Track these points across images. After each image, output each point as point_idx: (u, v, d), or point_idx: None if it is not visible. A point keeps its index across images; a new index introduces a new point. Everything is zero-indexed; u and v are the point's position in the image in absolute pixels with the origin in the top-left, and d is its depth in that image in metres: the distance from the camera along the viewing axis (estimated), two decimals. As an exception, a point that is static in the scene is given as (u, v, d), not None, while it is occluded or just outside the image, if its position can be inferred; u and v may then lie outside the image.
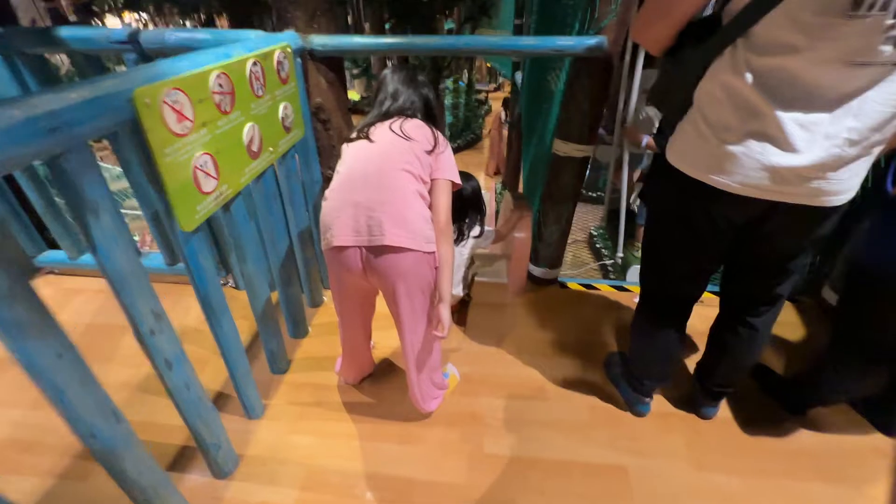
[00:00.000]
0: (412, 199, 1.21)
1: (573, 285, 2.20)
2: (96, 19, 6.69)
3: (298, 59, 1.58)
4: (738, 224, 1.11)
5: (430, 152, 1.28)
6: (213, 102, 1.07)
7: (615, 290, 2.18)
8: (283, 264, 1.63)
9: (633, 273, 2.41)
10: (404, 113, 1.37)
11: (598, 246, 3.09)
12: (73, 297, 2.11)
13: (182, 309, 1.99)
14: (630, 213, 2.62)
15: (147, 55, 1.54)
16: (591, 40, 1.51)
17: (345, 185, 1.23)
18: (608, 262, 2.77)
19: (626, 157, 2.36)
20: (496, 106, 11.58)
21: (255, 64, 1.24)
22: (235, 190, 1.22)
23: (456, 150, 9.37)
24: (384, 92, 1.42)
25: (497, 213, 7.07)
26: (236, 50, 1.18)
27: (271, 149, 1.40)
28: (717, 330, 1.40)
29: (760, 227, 1.10)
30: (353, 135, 1.34)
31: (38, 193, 1.94)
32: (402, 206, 1.19)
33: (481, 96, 10.61)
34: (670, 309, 1.33)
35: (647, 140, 2.21)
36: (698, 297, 1.32)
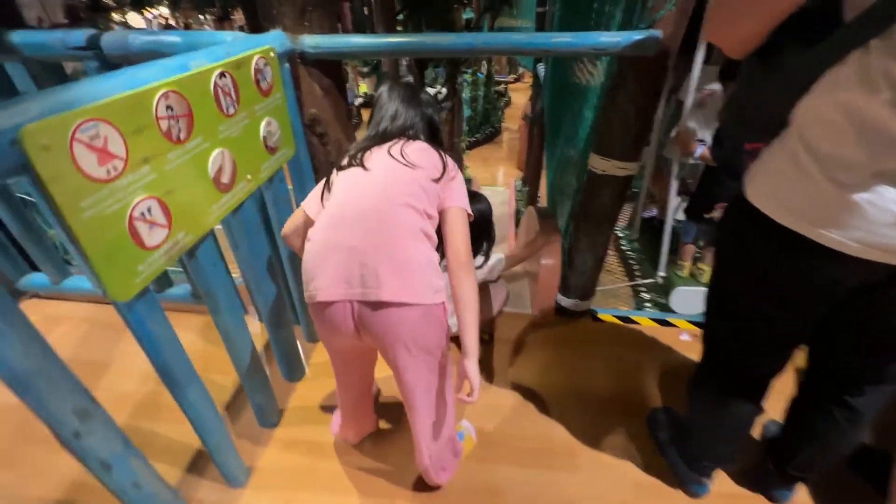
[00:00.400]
0: (415, 242, 0.98)
1: (607, 317, 1.92)
2: (114, 14, 6.57)
3: (286, 65, 1.34)
4: (849, 289, 0.82)
5: (437, 180, 1.05)
6: (160, 131, 0.83)
7: (658, 325, 1.89)
8: (272, 304, 1.40)
9: (680, 299, 2.11)
10: (405, 134, 1.14)
11: (630, 260, 2.77)
12: (56, 327, 1.94)
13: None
14: (674, 228, 2.31)
15: (111, 62, 1.32)
16: (641, 35, 1.22)
17: (335, 224, 1.00)
18: (643, 280, 2.46)
19: (674, 166, 2.04)
20: (516, 98, 11.17)
21: (222, 76, 1.00)
22: (199, 234, 0.99)
23: (475, 145, 9.03)
24: (381, 112, 1.19)
25: (517, 214, 6.76)
26: (197, 60, 0.94)
27: (249, 176, 1.16)
28: (802, 408, 1.11)
29: (882, 295, 0.81)
30: (345, 161, 1.10)
31: (12, 215, 1.76)
32: (403, 250, 0.96)
33: (500, 88, 10.23)
34: (745, 383, 1.05)
35: (701, 150, 1.89)
36: (781, 369, 1.03)
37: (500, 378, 1.66)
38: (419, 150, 1.08)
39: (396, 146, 1.08)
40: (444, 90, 4.65)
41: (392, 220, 0.97)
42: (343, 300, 0.95)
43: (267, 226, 1.41)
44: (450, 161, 1.12)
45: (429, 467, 1.21)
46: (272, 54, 1.21)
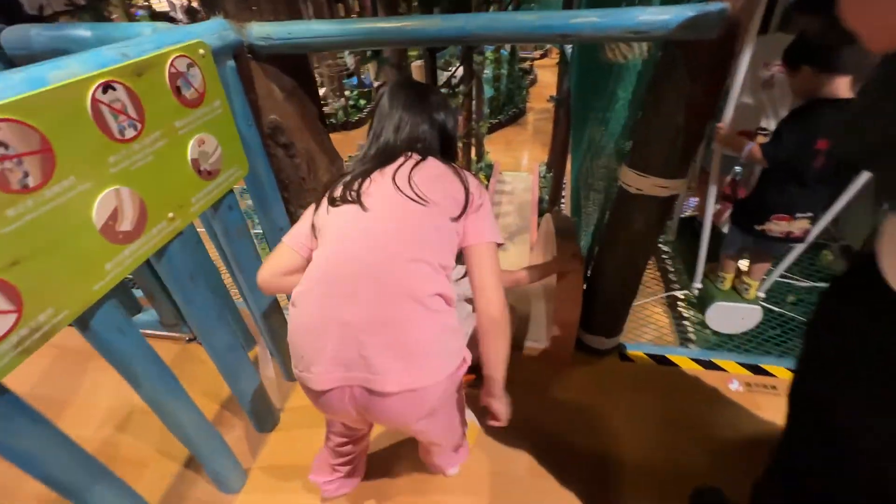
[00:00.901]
0: (428, 312, 0.79)
1: (639, 355, 1.60)
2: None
3: (229, 62, 1.05)
4: None
5: (459, 217, 0.87)
6: (-17, 181, 0.57)
7: (701, 368, 1.56)
8: (227, 355, 1.17)
9: (718, 316, 1.76)
10: (413, 149, 0.94)
11: (665, 263, 2.40)
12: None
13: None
14: (714, 233, 1.95)
15: (13, 62, 1.07)
16: (698, 10, 0.87)
17: (325, 291, 0.80)
18: (679, 292, 2.11)
19: (714, 162, 1.65)
20: (543, 76, 10.54)
21: (106, 89, 0.72)
22: (82, 306, 0.74)
23: (497, 127, 8.60)
24: (381, 122, 0.97)
25: (541, 203, 6.35)
26: (64, 69, 0.67)
27: (172, 214, 0.90)
28: None
29: None
30: (338, 191, 0.87)
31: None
32: (414, 325, 0.78)
33: (525, 65, 9.65)
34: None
35: (750, 147, 1.51)
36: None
37: (501, 433, 1.38)
38: (433, 178, 0.88)
39: (403, 171, 0.87)
40: (459, 72, 4.27)
41: (398, 287, 0.78)
42: (341, 386, 0.77)
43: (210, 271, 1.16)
44: (473, 183, 0.91)
45: (440, 465, 1.21)
46: (201, 52, 0.93)
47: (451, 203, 0.86)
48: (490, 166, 7.32)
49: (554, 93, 6.43)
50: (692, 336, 1.80)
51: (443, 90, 4.21)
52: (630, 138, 1.49)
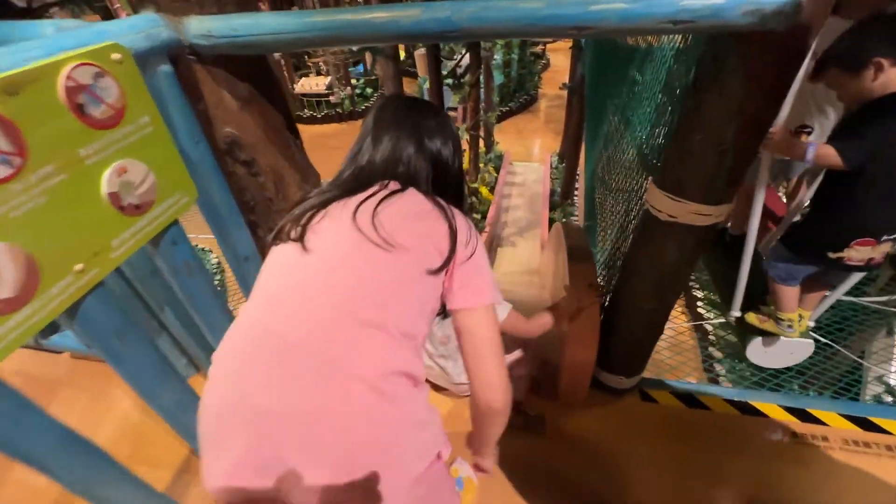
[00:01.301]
0: (381, 402, 0.57)
1: (663, 396, 1.40)
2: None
3: (166, 67, 0.85)
4: None
5: (439, 270, 0.66)
6: None
7: (737, 412, 1.35)
8: (179, 416, 1.00)
9: (759, 349, 1.51)
10: (394, 176, 0.74)
11: (693, 290, 2.13)
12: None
13: (102, 406, 1.47)
14: (758, 257, 1.68)
15: None
16: (763, -9, 0.64)
17: (241, 362, 0.59)
18: (713, 320, 1.86)
19: (761, 171, 1.36)
20: (556, 60, 10.12)
21: (-47, 118, 0.53)
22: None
23: (508, 115, 8.35)
24: (361, 140, 0.80)
25: (552, 196, 6.08)
26: None
27: (80, 266, 0.71)
28: None
29: None
30: (286, 225, 0.68)
31: None
32: (360, 420, 0.56)
33: (538, 49, 9.26)
34: None
35: (814, 149, 1.23)
36: None
37: (500, 490, 1.20)
38: (409, 216, 0.67)
39: (369, 203, 0.66)
40: (465, 60, 4.00)
41: (340, 364, 0.57)
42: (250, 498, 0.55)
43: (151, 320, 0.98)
44: (462, 225, 0.70)
45: None
46: (115, 57, 0.73)
47: (428, 250, 0.65)
48: (500, 157, 7.04)
49: (567, 79, 6.11)
50: (723, 371, 1.58)
51: (448, 81, 3.96)
52: (655, 147, 1.26)
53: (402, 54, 9.31)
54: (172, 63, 0.88)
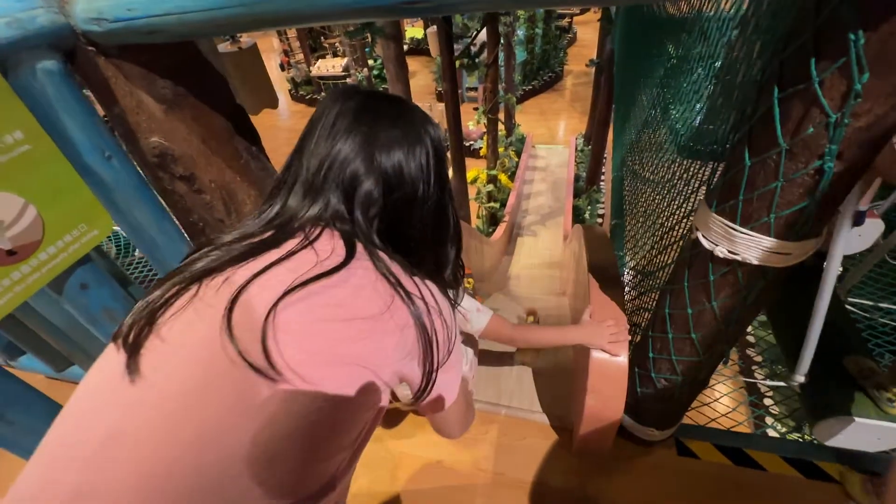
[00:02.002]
0: None
1: (705, 450, 1.15)
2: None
3: (52, 62, 0.65)
4: None
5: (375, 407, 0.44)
6: None
7: (799, 475, 1.09)
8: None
9: (834, 430, 1.17)
10: (324, 225, 0.48)
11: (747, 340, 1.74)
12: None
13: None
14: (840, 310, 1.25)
15: None
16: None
17: None
18: (769, 382, 1.50)
19: (867, 195, 0.94)
20: (583, 33, 9.52)
21: None
22: None
23: (531, 94, 7.93)
24: (294, 155, 0.52)
25: (577, 182, 5.70)
26: None
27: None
28: None
29: None
30: (136, 313, 0.41)
31: None
32: None
33: (563, 23, 8.71)
34: None
35: None
36: None
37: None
38: (334, 318, 0.40)
39: (275, 274, 0.41)
40: (481, 37, 3.66)
41: None
42: None
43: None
44: (441, 323, 0.46)
45: None
46: (-50, 53, 0.53)
47: (360, 382, 0.40)
48: (522, 140, 6.69)
49: (594, 55, 5.65)
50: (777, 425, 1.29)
51: (463, 60, 3.64)
52: (705, 148, 0.99)
53: (421, 32, 8.90)
54: (67, 57, 0.68)
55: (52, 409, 0.74)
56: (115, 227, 0.79)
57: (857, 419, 1.03)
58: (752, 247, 0.66)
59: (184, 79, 0.78)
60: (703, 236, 0.73)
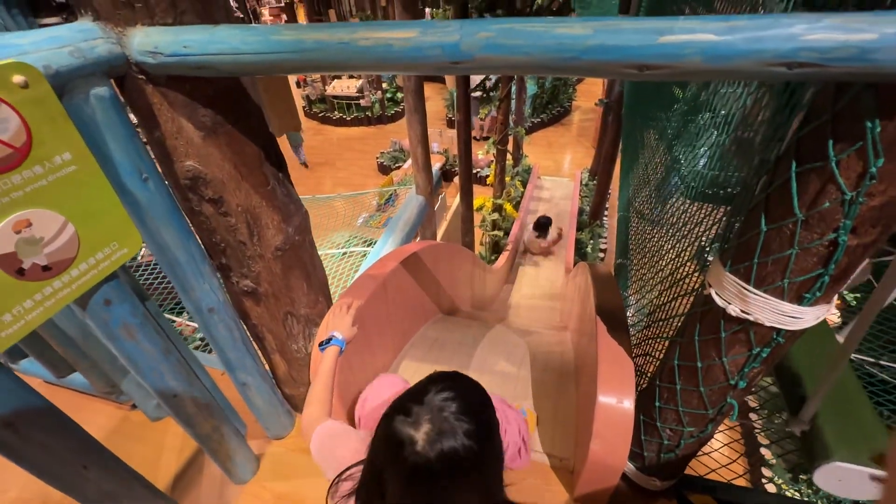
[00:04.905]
0: None
1: (707, 502, 1.14)
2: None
3: (103, 90, 0.68)
4: None
5: None
6: None
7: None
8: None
9: (835, 476, 1.19)
10: None
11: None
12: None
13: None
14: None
15: None
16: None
17: None
18: (768, 422, 1.50)
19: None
20: (592, 71, 9.76)
21: None
22: None
23: (539, 126, 8.06)
24: None
25: (581, 215, 5.77)
26: None
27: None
28: None
29: None
30: None
31: None
32: None
33: (575, 60, 8.94)
34: None
35: None
36: None
37: None
38: None
39: None
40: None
41: None
42: None
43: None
44: None
45: None
46: (17, 80, 0.56)
47: None
48: (528, 170, 6.79)
49: (602, 93, 5.80)
50: (775, 477, 1.28)
51: (475, 93, 3.74)
52: (721, 220, 1.01)
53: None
54: (117, 83, 0.71)
55: (62, 423, 0.74)
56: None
57: (858, 466, 1.03)
58: (765, 308, 0.68)
59: (223, 107, 0.81)
60: (717, 294, 0.75)
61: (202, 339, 2.52)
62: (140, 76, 0.72)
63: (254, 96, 0.91)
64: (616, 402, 0.95)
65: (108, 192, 0.70)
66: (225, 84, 0.80)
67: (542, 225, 4.86)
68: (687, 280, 1.08)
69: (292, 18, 8.89)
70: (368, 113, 8.40)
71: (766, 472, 1.35)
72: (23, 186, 0.59)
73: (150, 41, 0.66)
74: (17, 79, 0.56)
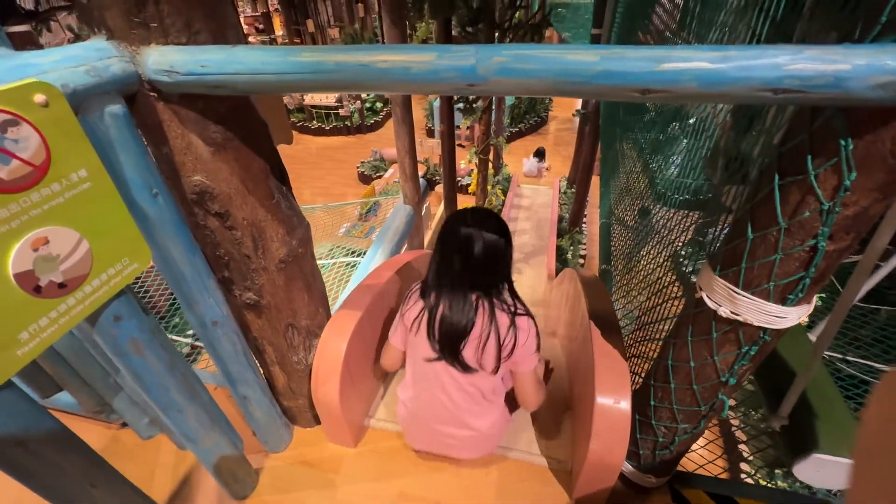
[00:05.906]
0: None
1: (696, 498, 1.19)
2: None
3: (117, 108, 0.69)
4: None
5: None
6: None
7: (787, 525, 1.14)
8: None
9: (818, 469, 1.24)
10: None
11: None
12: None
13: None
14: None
15: None
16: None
17: None
18: (740, 425, 1.56)
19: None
20: (567, 82, 10.04)
21: None
22: None
23: (517, 136, 8.29)
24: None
25: (560, 222, 5.90)
26: None
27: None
28: None
29: None
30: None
31: None
32: None
33: (551, 72, 9.19)
34: None
35: None
36: None
37: None
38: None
39: None
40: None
41: None
42: None
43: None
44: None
45: None
46: (38, 99, 0.56)
47: None
48: (508, 179, 6.90)
49: (578, 104, 5.98)
50: (753, 471, 1.35)
51: (459, 105, 3.83)
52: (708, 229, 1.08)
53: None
54: (127, 101, 0.72)
55: (71, 440, 0.73)
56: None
57: (836, 458, 1.10)
58: (753, 309, 0.74)
59: (233, 123, 0.82)
60: (708, 297, 0.81)
61: (188, 355, 2.46)
62: (151, 94, 0.73)
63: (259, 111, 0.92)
64: (613, 402, 0.99)
65: (120, 207, 0.71)
66: (237, 101, 0.81)
67: (541, 153, 7.09)
68: (664, 281, 1.14)
69: (269, 28, 8.83)
70: (347, 122, 8.40)
71: (744, 467, 1.41)
72: (41, 204, 0.59)
73: (165, 60, 0.68)
74: (39, 98, 0.57)
